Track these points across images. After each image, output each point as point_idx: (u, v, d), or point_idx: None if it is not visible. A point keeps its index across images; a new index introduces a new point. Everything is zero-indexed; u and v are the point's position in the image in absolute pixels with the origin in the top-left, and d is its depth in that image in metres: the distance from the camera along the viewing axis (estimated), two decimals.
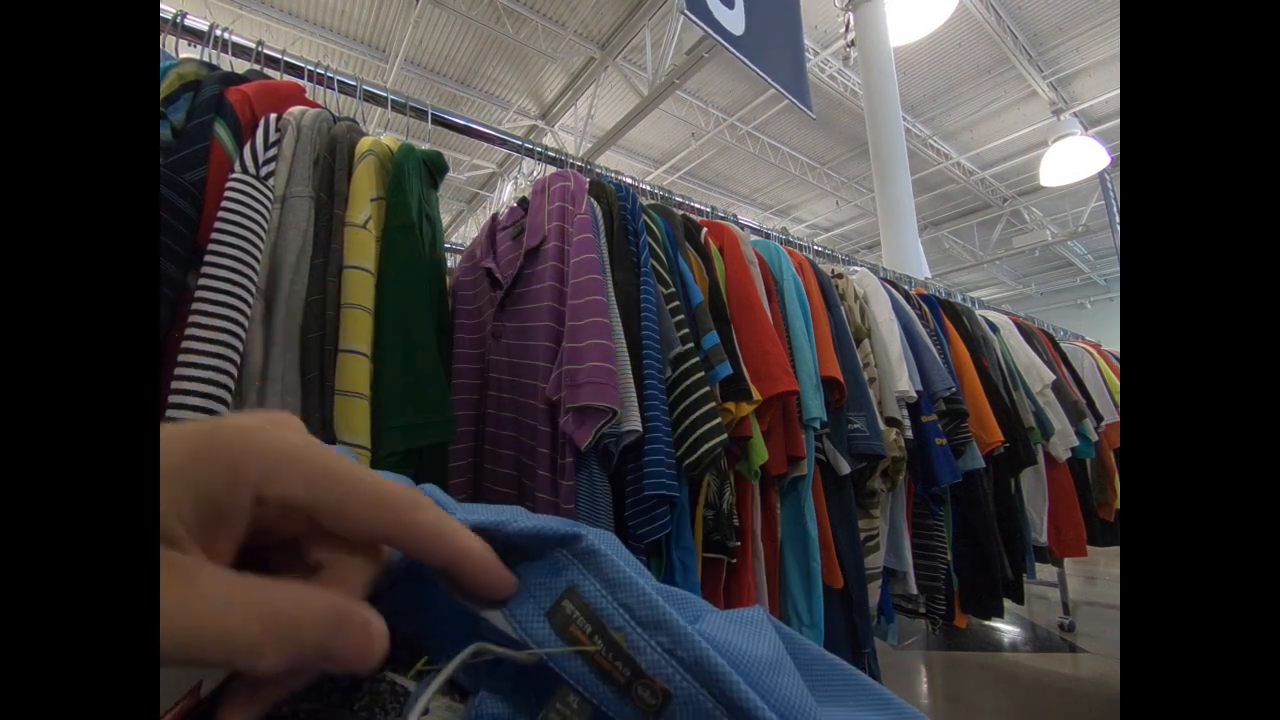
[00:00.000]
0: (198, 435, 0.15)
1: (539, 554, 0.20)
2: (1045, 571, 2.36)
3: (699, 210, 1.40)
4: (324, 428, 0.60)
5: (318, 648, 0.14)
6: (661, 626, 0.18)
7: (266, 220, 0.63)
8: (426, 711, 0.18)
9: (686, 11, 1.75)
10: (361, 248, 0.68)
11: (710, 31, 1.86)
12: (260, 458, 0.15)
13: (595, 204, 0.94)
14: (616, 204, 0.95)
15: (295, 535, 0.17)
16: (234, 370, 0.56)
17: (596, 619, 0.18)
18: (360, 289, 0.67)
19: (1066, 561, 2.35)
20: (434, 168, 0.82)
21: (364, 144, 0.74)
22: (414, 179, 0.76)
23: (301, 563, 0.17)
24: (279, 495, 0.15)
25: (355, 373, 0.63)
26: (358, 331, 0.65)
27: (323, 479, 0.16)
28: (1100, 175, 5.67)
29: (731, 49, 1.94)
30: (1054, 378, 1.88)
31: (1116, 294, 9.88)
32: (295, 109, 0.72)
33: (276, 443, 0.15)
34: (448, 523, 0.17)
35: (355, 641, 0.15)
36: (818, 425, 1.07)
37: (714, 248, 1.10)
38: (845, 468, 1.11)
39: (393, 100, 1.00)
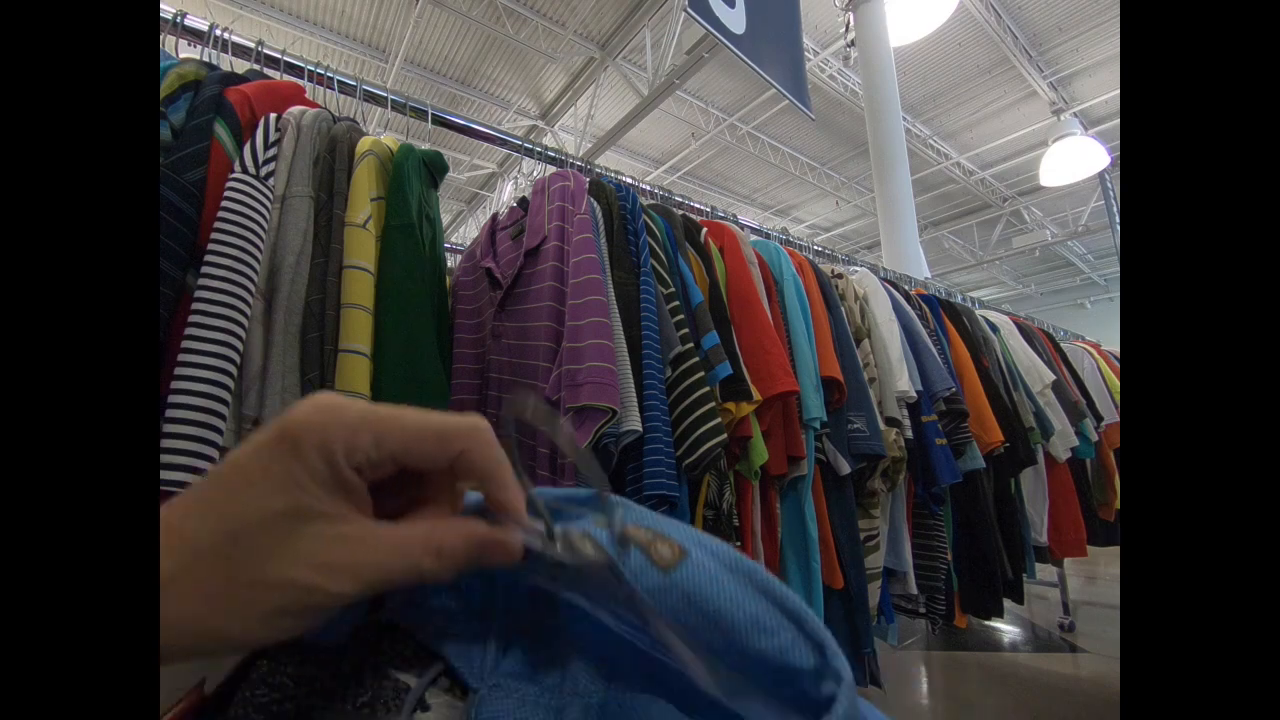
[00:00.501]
0: (277, 446, 0.18)
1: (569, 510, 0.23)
2: (1045, 571, 2.36)
3: (699, 210, 1.40)
4: None
5: (473, 562, 0.20)
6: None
7: (266, 220, 0.63)
8: (427, 708, 0.18)
9: (690, 10, 1.76)
10: (361, 247, 0.68)
11: (712, 30, 1.86)
12: (331, 442, 0.18)
13: (595, 204, 0.94)
14: (616, 204, 0.95)
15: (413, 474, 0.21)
16: (234, 370, 0.56)
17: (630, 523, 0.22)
18: (360, 289, 0.67)
19: (1066, 561, 2.35)
20: (434, 167, 0.82)
21: (364, 144, 0.74)
22: (414, 179, 0.76)
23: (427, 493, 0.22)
24: (363, 461, 0.19)
25: (355, 373, 0.63)
26: (358, 331, 0.65)
27: (388, 434, 0.19)
28: (1100, 175, 5.67)
29: (733, 48, 1.94)
30: (1054, 378, 1.88)
31: (1116, 294, 9.88)
32: (295, 109, 0.72)
33: (334, 425, 0.18)
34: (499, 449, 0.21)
35: (497, 556, 0.20)
36: (818, 425, 1.07)
37: (714, 248, 1.10)
38: (845, 468, 1.11)
39: (393, 100, 1.00)
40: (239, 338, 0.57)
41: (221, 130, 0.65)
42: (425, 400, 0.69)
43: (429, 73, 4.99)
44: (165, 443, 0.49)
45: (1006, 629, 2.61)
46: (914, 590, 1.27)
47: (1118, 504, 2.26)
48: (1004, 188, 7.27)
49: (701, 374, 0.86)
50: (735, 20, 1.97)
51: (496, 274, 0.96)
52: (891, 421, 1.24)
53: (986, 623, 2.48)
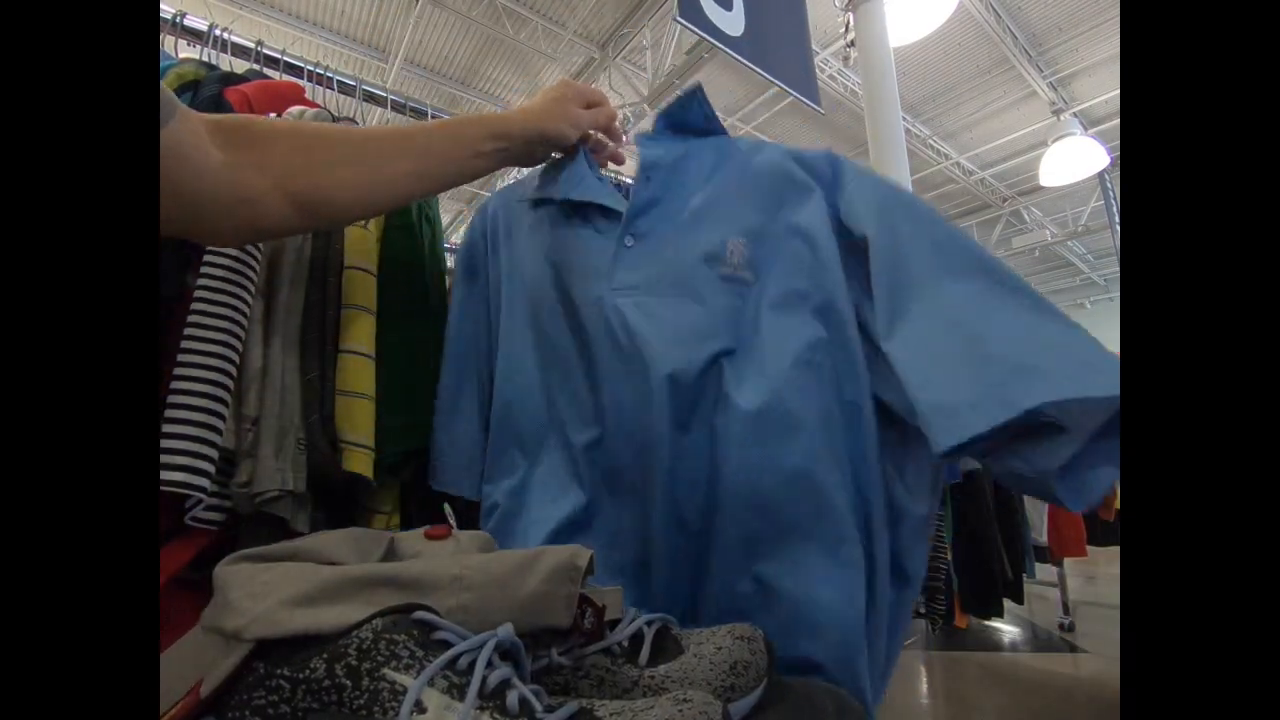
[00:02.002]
0: (530, 125, 0.63)
1: None
2: (1045, 571, 2.36)
3: None
4: (324, 426, 0.60)
5: (605, 121, 0.69)
6: None
7: None
8: (424, 710, 0.18)
9: (679, 19, 1.76)
10: (362, 248, 0.68)
11: (706, 36, 1.86)
12: (563, 124, 0.65)
13: None
14: None
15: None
16: (234, 370, 0.56)
17: None
18: (361, 289, 0.67)
19: (1066, 561, 2.35)
20: None
21: None
22: None
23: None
24: (558, 142, 0.65)
25: (357, 373, 0.63)
26: (360, 332, 0.65)
27: (559, 129, 0.64)
28: (1100, 175, 5.67)
29: (729, 51, 1.94)
30: None
31: (1116, 294, 9.87)
32: (294, 109, 0.72)
33: (569, 119, 0.65)
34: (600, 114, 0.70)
35: (609, 115, 0.70)
36: None
37: None
38: None
39: (392, 100, 1.00)
40: (239, 338, 0.56)
41: None
42: (425, 400, 0.69)
43: (429, 73, 4.99)
44: (165, 443, 0.49)
45: (1006, 629, 2.61)
46: None
47: (1117, 504, 2.26)
48: (1004, 188, 7.27)
49: None
50: (732, 22, 1.97)
51: None
52: None
53: (986, 623, 2.47)
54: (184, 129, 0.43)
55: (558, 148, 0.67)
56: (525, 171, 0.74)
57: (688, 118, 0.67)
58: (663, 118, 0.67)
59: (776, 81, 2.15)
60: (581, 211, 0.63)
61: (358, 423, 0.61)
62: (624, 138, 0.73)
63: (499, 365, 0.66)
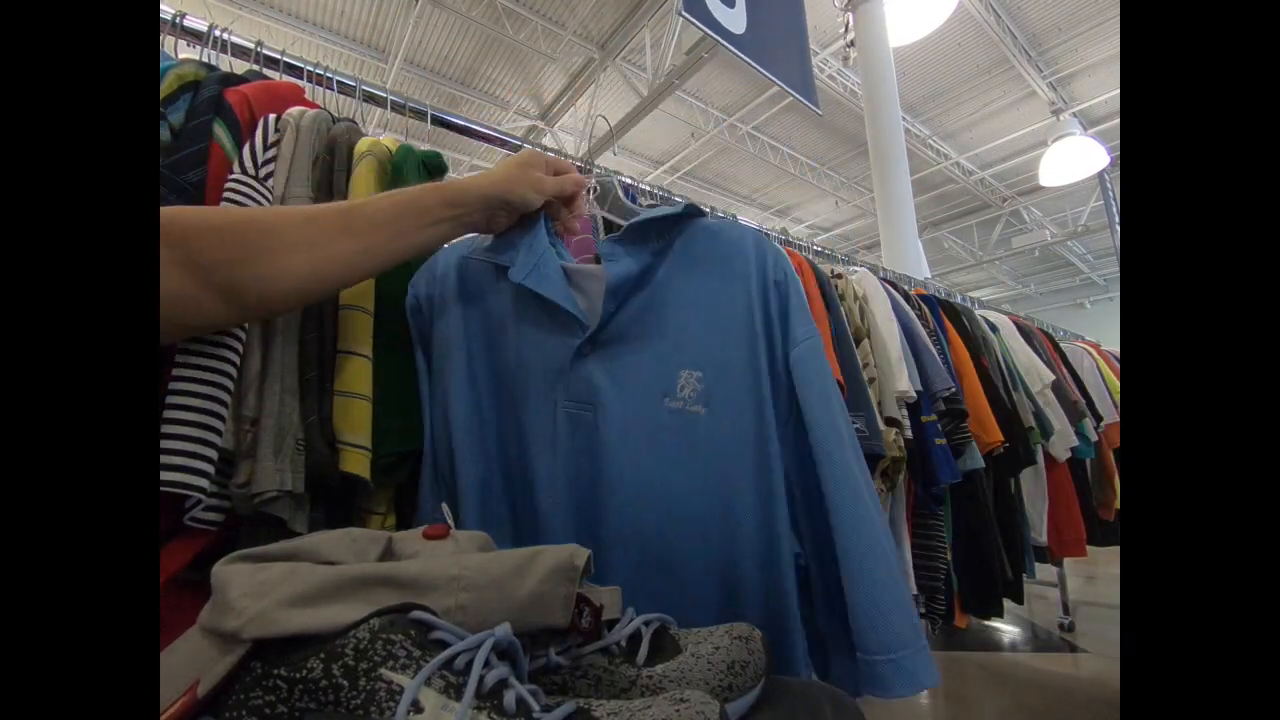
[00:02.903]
0: (490, 192, 0.62)
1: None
2: (1045, 571, 2.35)
3: None
4: (322, 427, 0.60)
5: (572, 188, 0.68)
6: None
7: None
8: (421, 710, 0.18)
9: (683, 13, 1.75)
10: None
11: (710, 32, 1.86)
12: (527, 190, 0.64)
13: None
14: None
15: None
16: (234, 371, 0.56)
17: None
18: (361, 290, 0.67)
19: (1066, 561, 2.34)
20: (432, 168, 0.82)
21: (362, 145, 0.74)
22: (413, 180, 0.76)
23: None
24: (520, 207, 0.64)
25: (356, 374, 0.63)
26: (359, 333, 0.65)
27: (521, 195, 0.63)
28: (1100, 175, 5.67)
29: (732, 48, 1.94)
30: (1053, 378, 1.87)
31: (1116, 294, 9.87)
32: (294, 109, 0.72)
33: (531, 185, 0.64)
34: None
35: (577, 182, 0.68)
36: None
37: None
38: None
39: (392, 100, 1.00)
40: (239, 339, 0.56)
41: (221, 131, 0.65)
42: (414, 396, 0.69)
43: (428, 73, 4.99)
44: (165, 443, 0.49)
45: (1006, 629, 2.61)
46: (914, 590, 1.26)
47: (1117, 504, 2.26)
48: (1004, 188, 7.26)
49: None
50: (735, 20, 1.97)
51: None
52: (891, 421, 1.24)
53: (986, 623, 2.47)
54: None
55: (521, 212, 0.65)
56: None
57: (645, 238, 0.65)
58: (636, 227, 0.65)
59: (776, 80, 2.15)
60: (539, 299, 0.62)
61: (355, 423, 0.61)
62: (584, 211, 0.73)
63: (455, 442, 0.65)
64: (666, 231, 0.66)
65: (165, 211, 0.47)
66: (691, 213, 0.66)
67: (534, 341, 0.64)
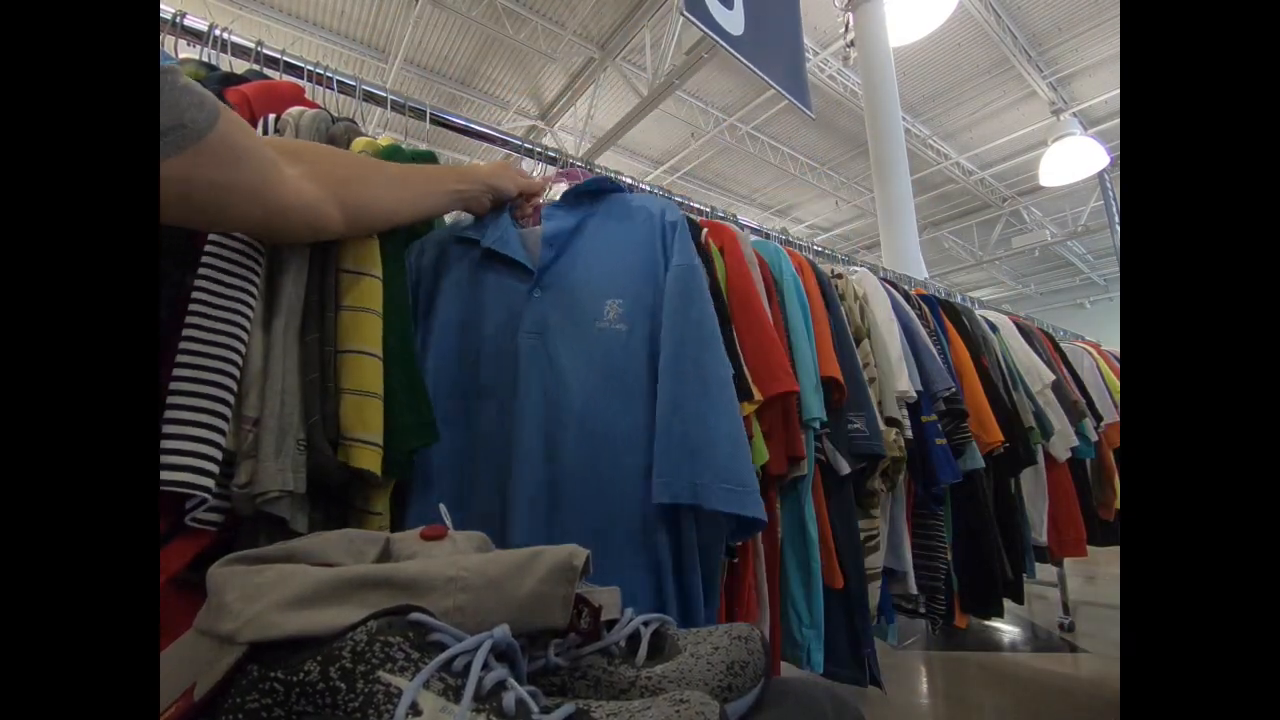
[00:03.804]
0: (484, 178, 0.81)
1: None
2: (1045, 571, 2.35)
3: (699, 210, 1.40)
4: (324, 426, 0.60)
5: (536, 187, 0.88)
6: None
7: None
8: (420, 712, 0.18)
9: (685, 12, 1.76)
10: (362, 249, 0.68)
11: (709, 32, 1.86)
12: (509, 183, 0.83)
13: None
14: None
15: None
16: (237, 371, 0.56)
17: None
18: (369, 292, 0.67)
19: (1066, 561, 2.34)
20: None
21: (357, 145, 0.74)
22: None
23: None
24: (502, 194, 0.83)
25: (365, 372, 0.63)
26: (368, 333, 0.65)
27: (503, 184, 0.83)
28: (1100, 175, 5.67)
29: (730, 49, 1.94)
30: (1054, 377, 1.87)
31: (1116, 294, 9.86)
32: (294, 109, 0.72)
33: (512, 180, 0.84)
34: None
35: (532, 185, 0.87)
36: (818, 425, 1.07)
37: (714, 248, 1.10)
38: (845, 468, 1.11)
39: (392, 100, 1.00)
40: (241, 339, 0.56)
41: None
42: (424, 396, 0.69)
43: (428, 73, 4.99)
44: (168, 442, 0.49)
45: (1006, 629, 2.61)
46: (914, 590, 1.26)
47: (1117, 504, 2.26)
48: (1004, 188, 7.26)
49: None
50: (733, 21, 1.97)
51: None
52: (891, 421, 1.24)
53: (986, 623, 2.47)
54: (269, 144, 0.54)
55: (501, 198, 0.84)
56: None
57: (596, 185, 0.87)
58: (568, 194, 0.86)
59: (770, 82, 2.16)
60: (500, 259, 0.80)
61: (368, 421, 0.61)
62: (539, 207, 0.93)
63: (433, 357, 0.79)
64: (594, 198, 0.87)
65: (282, 142, 0.66)
66: (614, 187, 0.89)
67: (498, 289, 0.80)
